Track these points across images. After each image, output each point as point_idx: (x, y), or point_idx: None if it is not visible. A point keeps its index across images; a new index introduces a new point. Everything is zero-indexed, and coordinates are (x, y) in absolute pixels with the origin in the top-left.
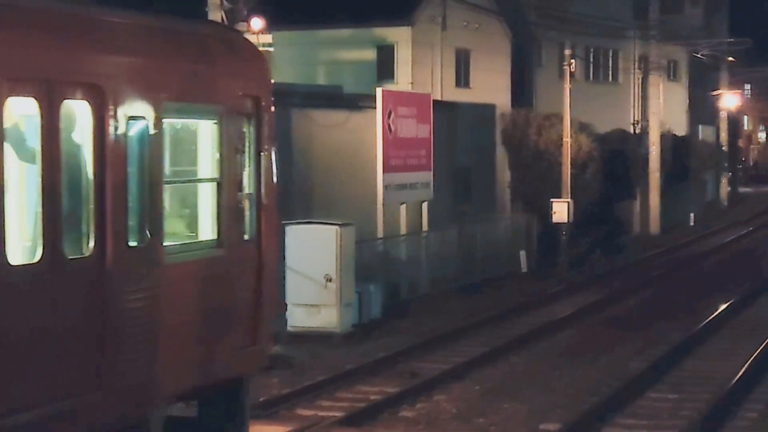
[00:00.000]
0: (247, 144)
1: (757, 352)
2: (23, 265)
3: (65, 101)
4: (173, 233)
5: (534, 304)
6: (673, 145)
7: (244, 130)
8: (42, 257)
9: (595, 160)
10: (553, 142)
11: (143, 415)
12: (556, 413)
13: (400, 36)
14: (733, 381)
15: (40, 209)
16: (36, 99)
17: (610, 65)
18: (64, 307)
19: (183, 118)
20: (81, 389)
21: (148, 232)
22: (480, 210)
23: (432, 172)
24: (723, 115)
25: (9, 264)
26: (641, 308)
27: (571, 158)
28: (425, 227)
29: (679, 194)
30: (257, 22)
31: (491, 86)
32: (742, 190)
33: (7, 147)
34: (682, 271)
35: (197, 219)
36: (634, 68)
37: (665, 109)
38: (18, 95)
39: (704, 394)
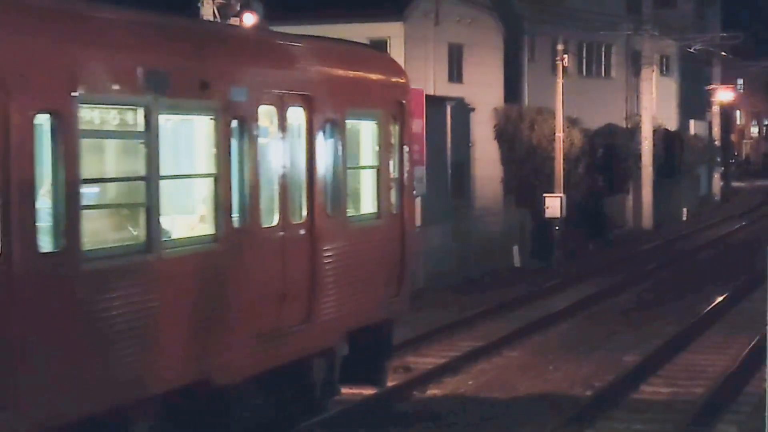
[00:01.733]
0: (394, 139)
1: (751, 345)
2: (267, 227)
3: (290, 108)
4: (351, 207)
5: (527, 298)
6: (665, 140)
7: (392, 128)
8: (277, 222)
9: (588, 154)
10: (546, 137)
11: (331, 345)
12: (551, 407)
13: (392, 31)
14: (727, 374)
15: (276, 189)
16: (275, 106)
17: (603, 60)
18: (288, 256)
19: (356, 119)
20: (297, 319)
21: (339, 205)
22: (462, 204)
23: (425, 167)
24: (716, 109)
25: (261, 227)
26: (635, 302)
27: (563, 153)
28: (419, 222)
29: (671, 189)
30: (249, 18)
31: (484, 81)
32: (735, 184)
33: (259, 143)
34: (676, 266)
35: (364, 197)
36: (627, 63)
37: (657, 103)
38: (265, 104)
39: (698, 388)
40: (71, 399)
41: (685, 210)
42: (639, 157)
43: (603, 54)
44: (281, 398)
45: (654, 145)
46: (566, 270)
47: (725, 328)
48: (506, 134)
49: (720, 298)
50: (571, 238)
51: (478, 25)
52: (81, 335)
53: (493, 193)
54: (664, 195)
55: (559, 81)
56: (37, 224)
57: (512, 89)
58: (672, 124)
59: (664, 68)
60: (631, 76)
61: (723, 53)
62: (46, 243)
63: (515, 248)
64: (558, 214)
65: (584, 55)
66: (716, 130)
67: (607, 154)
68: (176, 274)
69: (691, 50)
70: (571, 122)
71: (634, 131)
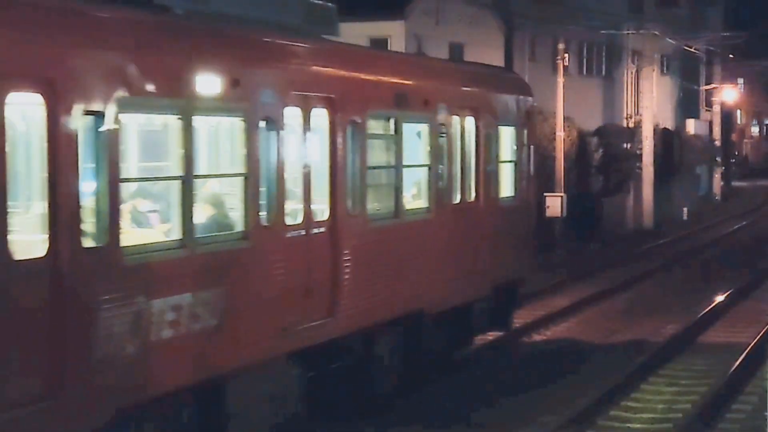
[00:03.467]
0: (524, 140)
1: (752, 344)
2: (455, 204)
3: (466, 118)
4: (500, 191)
5: (529, 297)
6: (664, 139)
7: (521, 132)
8: (460, 201)
9: (588, 154)
10: (546, 137)
11: (486, 295)
12: (553, 407)
13: (393, 30)
14: (728, 374)
15: (459, 176)
16: (459, 117)
17: (604, 59)
18: (464, 225)
19: (503, 126)
20: (459, 272)
21: (494, 189)
22: None
23: None
24: (716, 109)
25: (452, 203)
26: (636, 302)
27: (564, 153)
28: None
29: (672, 189)
30: None
31: None
32: (735, 184)
33: (452, 143)
34: (677, 265)
35: (506, 183)
36: (628, 62)
37: (656, 102)
38: (454, 114)
39: (700, 387)
40: (360, 315)
41: (685, 210)
42: (639, 156)
43: (604, 53)
44: (449, 332)
45: (654, 144)
46: (568, 269)
47: (726, 328)
48: None
49: (721, 298)
50: (572, 237)
51: (479, 24)
52: (372, 266)
53: None
54: (665, 195)
55: (560, 80)
56: (345, 196)
57: None
58: (669, 124)
59: (665, 68)
60: (631, 75)
61: (727, 54)
62: (348, 209)
63: None
64: (559, 214)
65: (585, 54)
66: (717, 130)
67: (607, 154)
68: (409, 234)
69: (693, 49)
70: (571, 122)
71: (634, 131)
